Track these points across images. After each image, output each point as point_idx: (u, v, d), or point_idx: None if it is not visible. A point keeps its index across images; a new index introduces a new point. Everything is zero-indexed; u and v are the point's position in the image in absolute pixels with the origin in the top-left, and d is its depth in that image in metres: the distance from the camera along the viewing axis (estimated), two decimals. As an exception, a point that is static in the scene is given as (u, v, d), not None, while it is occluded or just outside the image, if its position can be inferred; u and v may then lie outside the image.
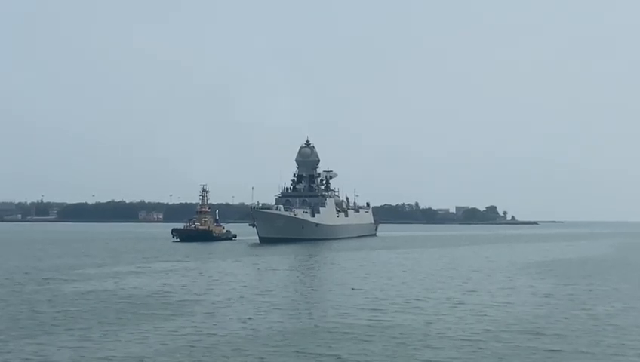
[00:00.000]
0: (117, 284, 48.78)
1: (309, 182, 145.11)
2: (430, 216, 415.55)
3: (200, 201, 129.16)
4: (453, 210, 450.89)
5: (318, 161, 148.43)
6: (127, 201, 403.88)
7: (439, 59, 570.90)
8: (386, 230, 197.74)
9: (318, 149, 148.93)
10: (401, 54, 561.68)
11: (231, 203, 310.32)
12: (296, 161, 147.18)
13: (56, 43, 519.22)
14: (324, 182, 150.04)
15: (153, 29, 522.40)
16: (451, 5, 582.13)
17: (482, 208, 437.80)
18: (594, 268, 66.50)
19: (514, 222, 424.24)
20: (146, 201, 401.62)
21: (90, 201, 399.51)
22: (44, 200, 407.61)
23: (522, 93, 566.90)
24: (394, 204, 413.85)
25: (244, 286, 48.46)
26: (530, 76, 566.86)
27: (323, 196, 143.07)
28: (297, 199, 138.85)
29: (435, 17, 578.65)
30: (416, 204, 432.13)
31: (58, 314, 34.98)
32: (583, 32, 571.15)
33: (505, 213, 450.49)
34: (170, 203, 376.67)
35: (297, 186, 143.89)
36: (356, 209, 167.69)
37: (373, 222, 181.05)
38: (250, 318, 33.71)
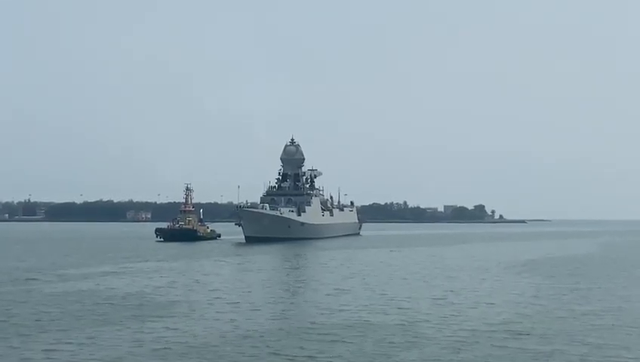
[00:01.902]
0: (95, 285, 48.03)
1: (294, 180, 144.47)
2: (419, 215, 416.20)
3: (184, 200, 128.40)
4: (441, 208, 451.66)
5: (303, 159, 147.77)
6: (115, 201, 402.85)
7: (430, 57, 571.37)
8: (370, 229, 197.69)
9: (303, 147, 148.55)
10: (392, 50, 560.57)
11: (219, 202, 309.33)
12: (281, 159, 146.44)
13: (45, 42, 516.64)
14: (308, 180, 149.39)
15: (139, 27, 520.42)
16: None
17: (470, 207, 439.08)
18: (580, 267, 66.26)
19: (502, 220, 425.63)
20: (134, 201, 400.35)
21: (78, 201, 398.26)
22: (32, 200, 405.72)
23: (511, 92, 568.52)
24: (382, 202, 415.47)
25: (226, 286, 47.86)
26: (519, 76, 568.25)
27: (308, 195, 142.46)
28: (282, 198, 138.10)
29: (425, 13, 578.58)
30: (405, 202, 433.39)
31: (33, 315, 34.32)
32: (581, 31, 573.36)
33: (493, 211, 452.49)
34: (158, 202, 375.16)
35: (282, 185, 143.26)
36: (341, 208, 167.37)
37: (357, 221, 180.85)
38: (229, 320, 33.14)
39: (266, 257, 79.94)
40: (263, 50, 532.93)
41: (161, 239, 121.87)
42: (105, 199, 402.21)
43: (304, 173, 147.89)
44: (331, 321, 32.66)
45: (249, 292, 44.64)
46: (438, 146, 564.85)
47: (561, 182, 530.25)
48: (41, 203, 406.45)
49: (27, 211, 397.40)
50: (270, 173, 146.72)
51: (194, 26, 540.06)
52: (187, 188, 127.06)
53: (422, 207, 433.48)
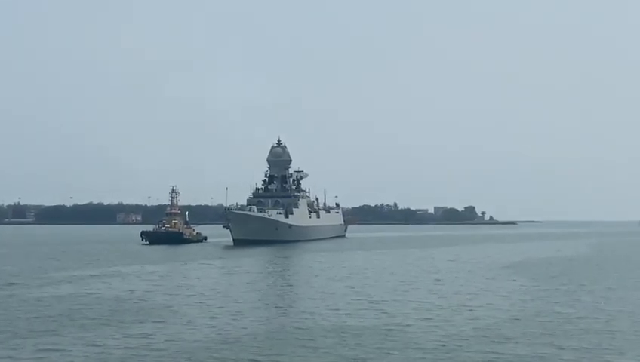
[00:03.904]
0: (77, 289, 47.43)
1: (281, 182, 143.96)
2: (409, 217, 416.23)
3: (170, 203, 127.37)
4: (432, 210, 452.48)
5: (290, 160, 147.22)
6: (105, 204, 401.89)
7: (424, 58, 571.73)
8: (356, 231, 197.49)
9: (290, 148, 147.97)
10: (387, 50, 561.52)
11: (209, 204, 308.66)
12: (267, 160, 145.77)
13: (38, 44, 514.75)
14: (295, 182, 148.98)
15: (135, 29, 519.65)
16: None
17: (461, 208, 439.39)
18: (568, 269, 65.97)
19: (493, 222, 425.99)
20: (125, 203, 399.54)
21: (68, 204, 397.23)
22: (22, 203, 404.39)
23: (505, 94, 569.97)
24: (373, 204, 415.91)
25: (210, 290, 47.19)
26: (514, 78, 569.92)
27: (295, 197, 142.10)
28: (270, 200, 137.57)
29: (422, 13, 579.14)
30: (395, 204, 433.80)
31: (9, 320, 33.76)
32: (581, 31, 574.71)
33: (483, 213, 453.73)
34: (148, 205, 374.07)
35: (269, 187, 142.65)
36: (327, 210, 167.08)
37: (342, 223, 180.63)
38: (211, 324, 32.74)
39: (251, 260, 79.19)
40: (255, 50, 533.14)
41: (147, 242, 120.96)
42: (95, 202, 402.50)
43: (291, 174, 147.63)
44: (315, 326, 32.26)
45: (233, 296, 44.01)
46: (429, 147, 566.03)
47: (552, 183, 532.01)
48: (31, 206, 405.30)
49: (17, 214, 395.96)
50: (256, 176, 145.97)
51: (184, 27, 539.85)
52: (173, 190, 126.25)
53: (412, 208, 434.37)
